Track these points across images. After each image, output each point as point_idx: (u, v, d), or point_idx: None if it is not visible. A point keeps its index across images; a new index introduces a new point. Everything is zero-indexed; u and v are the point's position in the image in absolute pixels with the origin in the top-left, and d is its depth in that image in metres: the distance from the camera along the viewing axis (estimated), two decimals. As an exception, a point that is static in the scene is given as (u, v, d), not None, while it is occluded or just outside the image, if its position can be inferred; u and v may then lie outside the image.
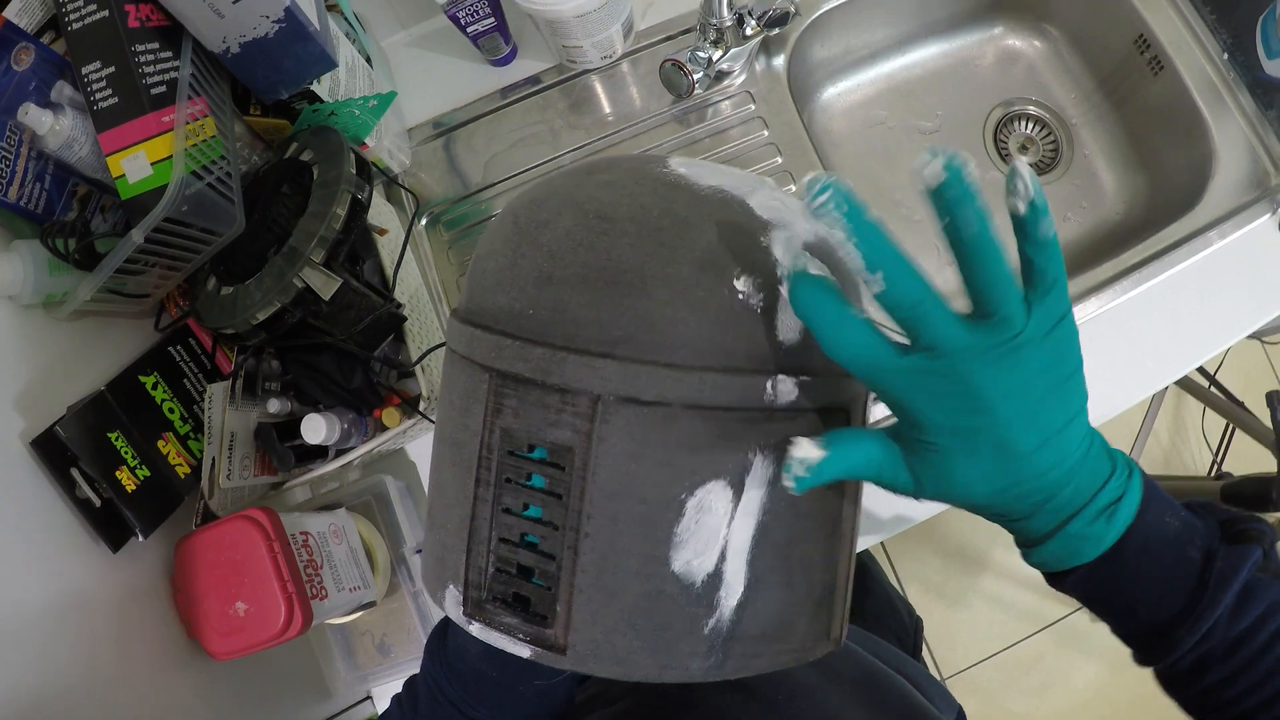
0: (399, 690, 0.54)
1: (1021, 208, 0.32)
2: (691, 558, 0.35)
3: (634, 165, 0.40)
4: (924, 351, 0.33)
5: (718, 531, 0.35)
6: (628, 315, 0.34)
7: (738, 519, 0.36)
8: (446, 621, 0.51)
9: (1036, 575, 0.41)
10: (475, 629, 0.38)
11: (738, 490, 0.35)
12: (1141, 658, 0.40)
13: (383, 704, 0.86)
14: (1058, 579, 0.40)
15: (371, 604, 0.82)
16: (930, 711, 0.60)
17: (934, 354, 0.33)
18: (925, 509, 0.83)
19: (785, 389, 0.35)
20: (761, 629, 0.37)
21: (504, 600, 0.37)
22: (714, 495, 0.35)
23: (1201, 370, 1.66)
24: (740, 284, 0.35)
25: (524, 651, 0.37)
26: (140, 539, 0.67)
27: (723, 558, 0.35)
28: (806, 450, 0.34)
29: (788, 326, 0.36)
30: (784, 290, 0.35)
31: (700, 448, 0.35)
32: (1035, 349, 0.33)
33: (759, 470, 0.36)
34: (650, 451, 0.34)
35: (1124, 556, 0.37)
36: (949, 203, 0.31)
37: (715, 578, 0.36)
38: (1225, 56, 0.97)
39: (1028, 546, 0.39)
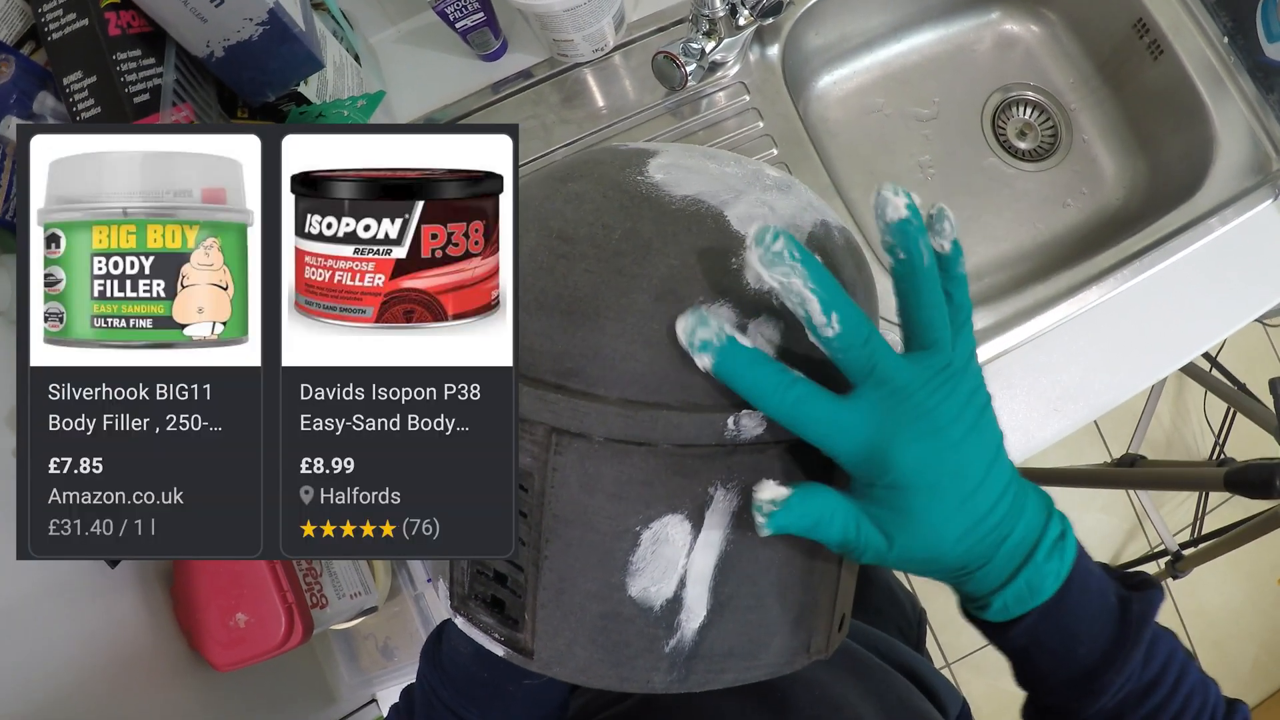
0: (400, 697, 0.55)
1: (946, 246, 0.36)
2: (649, 585, 0.35)
3: (607, 172, 0.39)
4: (875, 386, 0.33)
5: (676, 561, 0.35)
6: (580, 347, 0.34)
7: (698, 550, 0.35)
8: (442, 627, 0.52)
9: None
10: (459, 622, 0.39)
11: (697, 523, 0.35)
12: (1063, 710, 0.41)
13: (388, 706, 0.86)
14: (1002, 632, 0.39)
15: (373, 609, 0.81)
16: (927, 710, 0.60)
17: (886, 386, 0.33)
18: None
19: (749, 424, 0.34)
20: (729, 648, 0.37)
21: (483, 600, 0.38)
22: (671, 528, 0.35)
23: (1204, 354, 1.65)
24: None
25: (499, 650, 0.38)
26: (138, 552, 0.67)
27: (682, 584, 0.35)
28: (772, 492, 0.34)
29: None
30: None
31: (655, 482, 0.34)
32: (963, 376, 0.35)
33: (721, 504, 0.35)
34: (602, 485, 0.34)
35: (1070, 595, 0.38)
36: (907, 237, 0.34)
37: (675, 602, 0.35)
38: (1225, 40, 0.96)
39: (985, 595, 0.38)
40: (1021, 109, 1.09)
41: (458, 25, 0.86)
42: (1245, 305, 0.90)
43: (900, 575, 1.84)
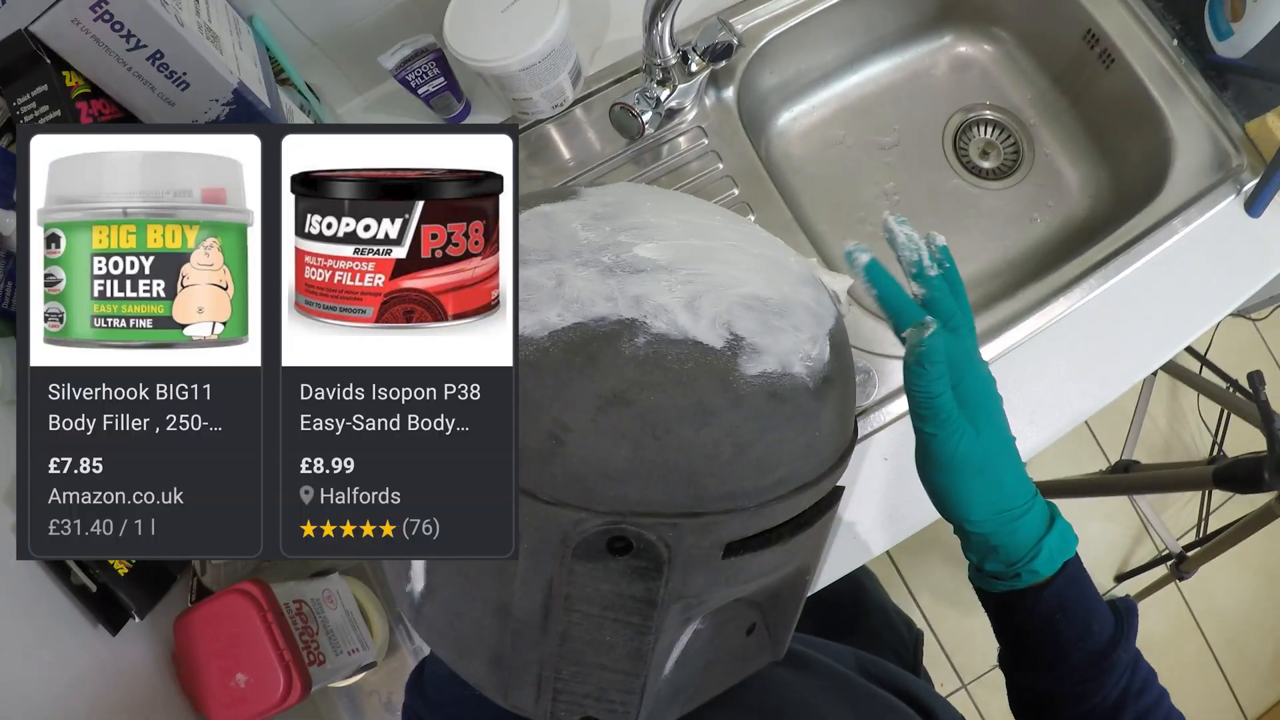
0: None
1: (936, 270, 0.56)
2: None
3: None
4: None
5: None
6: None
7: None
8: (424, 662, 0.55)
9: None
10: None
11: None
12: (1072, 696, 0.50)
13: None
14: (1035, 596, 0.50)
15: (372, 664, 0.82)
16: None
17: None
18: (916, 518, 0.84)
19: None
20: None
21: None
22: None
23: (1193, 352, 1.65)
24: None
25: None
26: (137, 620, 0.68)
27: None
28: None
29: None
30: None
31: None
32: None
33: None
34: None
35: (1080, 567, 0.51)
36: (905, 255, 0.56)
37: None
38: (1175, 43, 0.98)
39: (1034, 545, 0.50)
40: (982, 129, 1.11)
41: (420, 91, 0.89)
42: (1216, 302, 0.90)
43: (908, 595, 1.83)
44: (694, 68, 0.88)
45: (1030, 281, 0.91)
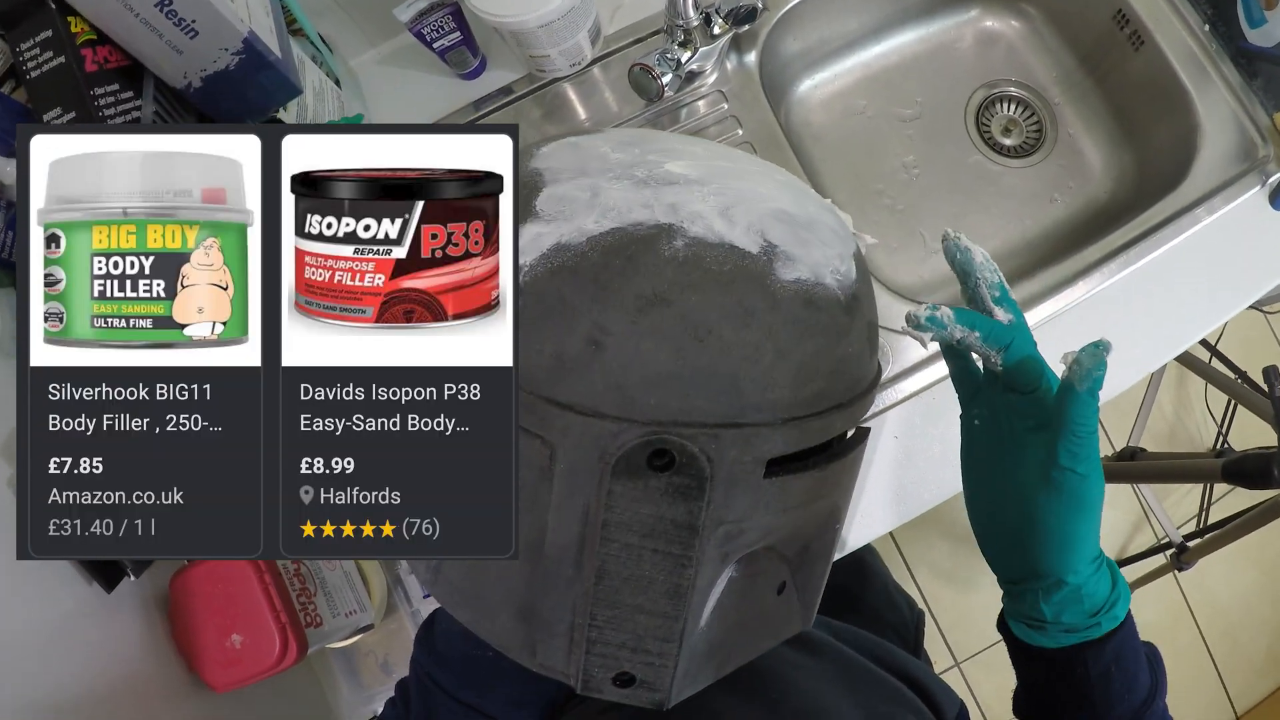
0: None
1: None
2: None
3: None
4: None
5: None
6: None
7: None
8: (434, 615, 0.53)
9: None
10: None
11: None
12: None
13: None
14: (1098, 648, 0.47)
15: (369, 626, 0.82)
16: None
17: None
18: (924, 498, 0.83)
19: None
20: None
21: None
22: None
23: (1204, 342, 1.64)
24: None
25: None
26: (133, 578, 0.68)
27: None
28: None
29: None
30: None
31: None
32: None
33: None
34: None
35: (1132, 626, 0.48)
36: (987, 277, 0.50)
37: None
38: (1206, 28, 0.96)
39: (1106, 600, 0.47)
40: (1005, 105, 1.09)
41: (435, 45, 0.87)
42: (1236, 294, 0.89)
43: (905, 571, 1.84)
44: (716, 30, 0.86)
45: (1047, 263, 0.90)
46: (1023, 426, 0.48)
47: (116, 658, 0.65)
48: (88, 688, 0.61)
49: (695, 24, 0.84)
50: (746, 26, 0.88)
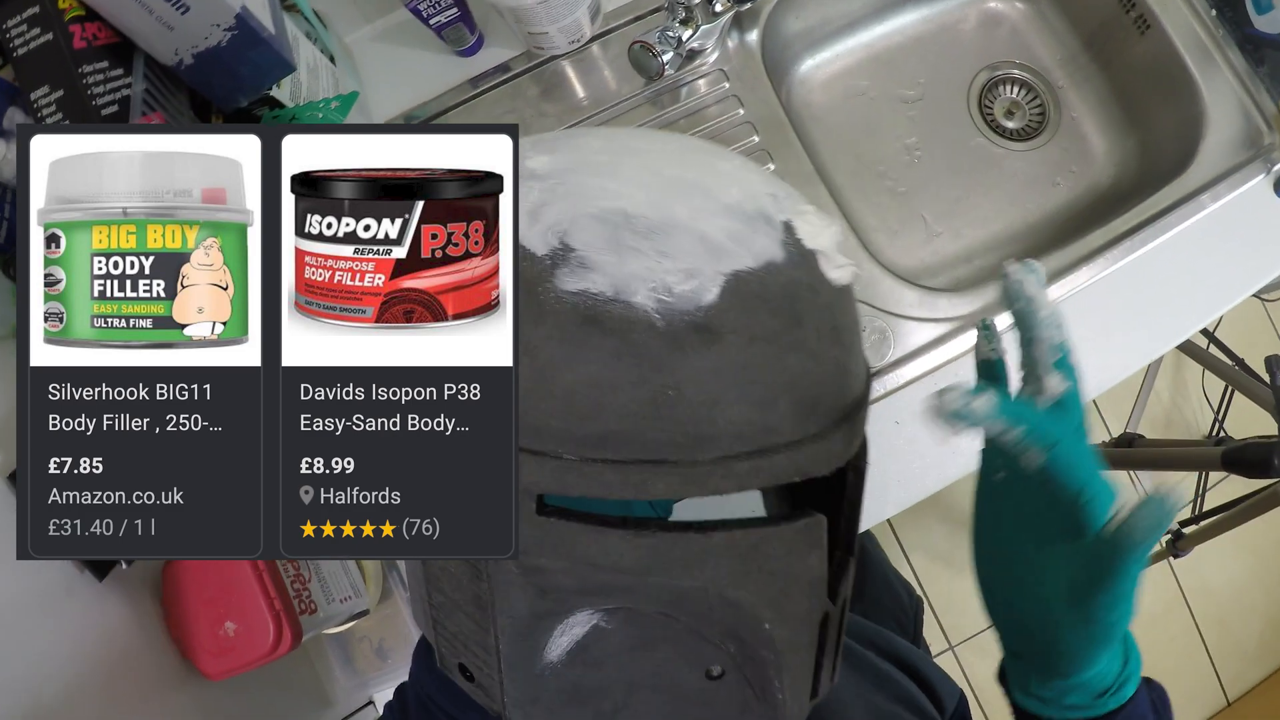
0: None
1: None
2: None
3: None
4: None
5: None
6: None
7: None
8: None
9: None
10: None
11: None
12: None
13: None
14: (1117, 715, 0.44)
15: (364, 612, 0.81)
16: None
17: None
18: (926, 484, 0.83)
19: None
20: None
21: None
22: None
23: (1202, 330, 1.64)
24: None
25: None
26: (124, 566, 0.67)
27: None
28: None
29: None
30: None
31: None
32: None
33: None
34: None
35: (1142, 694, 0.45)
36: (1049, 335, 0.44)
37: None
38: (1213, 13, 0.95)
39: (1124, 667, 0.43)
40: (1008, 88, 1.07)
41: (432, 22, 0.85)
42: (1239, 282, 0.89)
43: (901, 554, 1.84)
44: (718, 8, 0.85)
45: (1049, 248, 0.89)
46: (1055, 524, 0.42)
47: (110, 647, 0.64)
48: (82, 678, 0.60)
49: (697, 1, 0.82)
50: (749, 4, 0.87)
